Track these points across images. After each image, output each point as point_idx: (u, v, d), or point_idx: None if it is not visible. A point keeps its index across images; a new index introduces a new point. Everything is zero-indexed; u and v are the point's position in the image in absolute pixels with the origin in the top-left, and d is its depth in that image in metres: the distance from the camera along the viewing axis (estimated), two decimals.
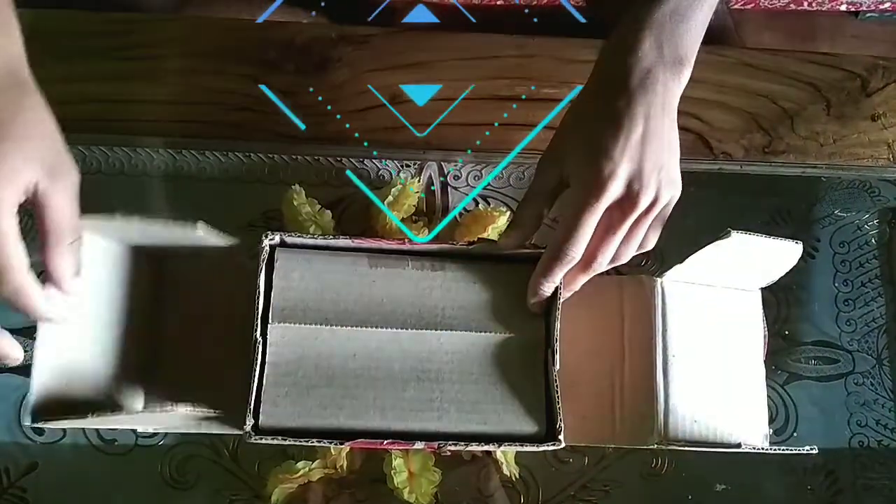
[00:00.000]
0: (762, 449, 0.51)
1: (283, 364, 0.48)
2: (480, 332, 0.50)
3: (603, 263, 0.48)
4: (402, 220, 0.60)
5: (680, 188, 0.48)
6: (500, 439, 0.49)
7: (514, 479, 0.57)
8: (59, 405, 0.45)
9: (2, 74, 0.40)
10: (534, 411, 0.49)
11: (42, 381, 0.45)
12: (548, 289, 0.49)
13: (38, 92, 0.42)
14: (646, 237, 0.48)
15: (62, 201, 0.41)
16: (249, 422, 0.45)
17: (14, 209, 0.39)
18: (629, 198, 0.46)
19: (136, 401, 0.51)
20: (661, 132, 0.46)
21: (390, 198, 0.59)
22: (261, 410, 0.46)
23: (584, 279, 0.49)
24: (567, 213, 0.46)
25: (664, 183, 0.46)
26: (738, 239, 0.49)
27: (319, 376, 0.48)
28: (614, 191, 0.45)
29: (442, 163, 0.63)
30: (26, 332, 0.57)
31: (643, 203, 0.46)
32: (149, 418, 0.48)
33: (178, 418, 0.48)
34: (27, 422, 0.44)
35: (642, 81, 0.45)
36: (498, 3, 1.15)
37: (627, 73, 0.45)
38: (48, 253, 0.41)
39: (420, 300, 0.50)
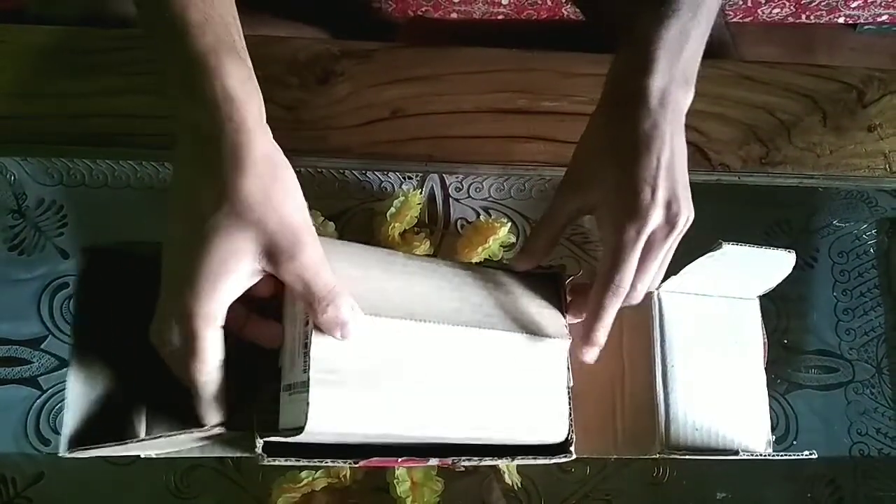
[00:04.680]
0: (762, 455, 0.52)
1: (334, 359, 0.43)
2: (519, 332, 0.47)
3: (643, 291, 0.48)
4: (405, 231, 0.61)
5: None
6: (520, 451, 0.47)
7: (515, 488, 0.58)
8: (90, 433, 0.45)
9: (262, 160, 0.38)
10: (558, 420, 0.48)
11: (75, 411, 0.45)
12: (604, 332, 0.48)
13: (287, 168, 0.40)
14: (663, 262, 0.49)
15: (289, 281, 0.39)
16: (260, 443, 0.44)
17: (219, 320, 0.38)
18: (668, 221, 0.45)
19: (142, 426, 0.52)
20: (682, 150, 0.46)
21: (392, 210, 0.59)
22: (309, 412, 0.40)
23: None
24: (609, 244, 0.46)
25: (689, 200, 0.47)
26: (730, 250, 0.50)
27: (380, 374, 0.43)
28: (656, 217, 0.45)
29: (444, 175, 0.64)
30: (33, 344, 0.58)
31: (681, 225, 0.46)
32: (181, 441, 0.48)
33: (190, 441, 0.48)
34: (63, 452, 0.44)
35: (662, 101, 0.45)
36: (498, 17, 1.16)
37: (647, 94, 0.45)
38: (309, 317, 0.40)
39: (460, 296, 0.48)
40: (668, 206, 0.45)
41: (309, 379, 0.39)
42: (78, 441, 0.45)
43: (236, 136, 0.36)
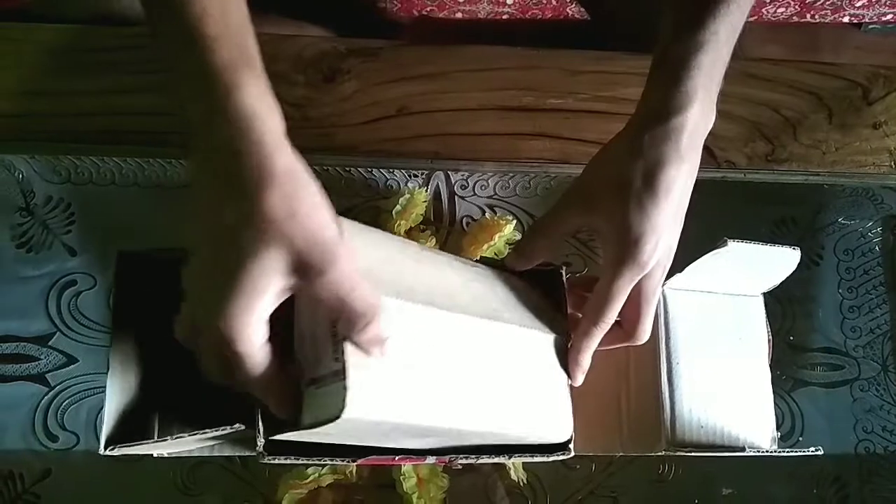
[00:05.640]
0: (768, 452, 0.52)
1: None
2: (526, 327, 0.47)
3: (648, 331, 0.48)
4: (410, 228, 0.61)
5: None
6: (520, 449, 0.47)
7: (521, 484, 0.58)
8: (125, 431, 0.46)
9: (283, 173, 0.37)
10: (562, 419, 0.48)
11: (112, 408, 0.46)
12: (588, 357, 0.48)
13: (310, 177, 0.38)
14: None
15: (323, 297, 0.38)
16: (261, 442, 0.44)
17: (259, 336, 0.38)
18: (663, 264, 0.46)
19: (155, 426, 0.52)
20: (689, 194, 0.46)
21: (398, 207, 0.60)
22: (348, 397, 0.38)
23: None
24: (605, 280, 0.46)
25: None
26: (734, 247, 0.50)
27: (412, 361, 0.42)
28: (655, 264, 0.45)
29: (449, 172, 0.64)
30: (40, 341, 0.58)
31: (668, 264, 0.47)
32: (197, 440, 0.48)
33: (206, 439, 0.48)
34: (102, 449, 0.45)
35: (692, 141, 0.44)
36: (503, 17, 1.16)
37: (680, 136, 0.44)
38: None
39: (470, 288, 0.47)
40: (668, 249, 0.46)
41: (345, 365, 0.38)
42: (111, 439, 0.46)
43: (258, 152, 0.36)
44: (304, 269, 0.37)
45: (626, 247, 0.44)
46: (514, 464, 0.57)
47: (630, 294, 0.46)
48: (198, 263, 0.38)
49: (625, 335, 0.48)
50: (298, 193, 0.37)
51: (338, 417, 0.37)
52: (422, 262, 0.46)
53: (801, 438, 0.62)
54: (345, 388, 0.37)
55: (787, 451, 0.52)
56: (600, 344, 0.48)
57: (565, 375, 0.49)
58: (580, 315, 0.49)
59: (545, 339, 0.48)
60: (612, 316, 0.46)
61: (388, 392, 0.39)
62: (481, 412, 0.44)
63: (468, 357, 0.44)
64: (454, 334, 0.44)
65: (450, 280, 0.46)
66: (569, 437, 0.48)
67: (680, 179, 0.44)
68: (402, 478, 0.55)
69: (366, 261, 0.41)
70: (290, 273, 0.37)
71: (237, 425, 0.44)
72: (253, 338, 0.37)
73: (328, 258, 0.37)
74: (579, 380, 0.49)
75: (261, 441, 0.44)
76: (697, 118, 0.44)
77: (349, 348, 0.38)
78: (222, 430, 0.43)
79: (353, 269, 0.38)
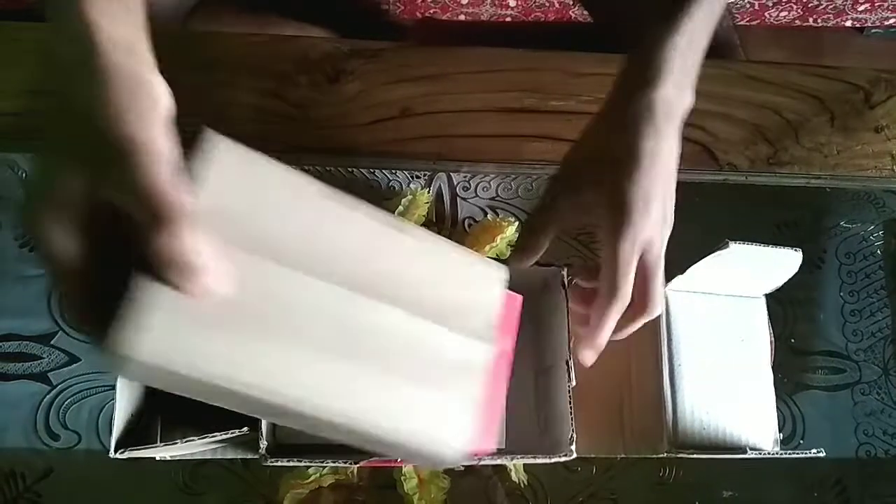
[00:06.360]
0: (771, 453, 0.52)
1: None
2: (430, 321, 0.40)
3: (661, 302, 0.48)
4: None
5: None
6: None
7: (522, 486, 0.58)
8: (133, 434, 0.46)
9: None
10: (450, 427, 0.41)
11: (122, 412, 0.46)
12: (606, 337, 0.48)
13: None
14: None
15: (116, 199, 0.34)
16: (263, 444, 0.44)
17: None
18: (660, 233, 0.46)
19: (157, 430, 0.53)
20: (677, 158, 0.47)
21: (401, 208, 0.60)
22: (122, 330, 0.33)
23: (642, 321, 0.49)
24: (608, 256, 0.46)
25: (673, 208, 0.47)
26: (736, 249, 0.50)
27: (247, 319, 0.36)
28: (649, 230, 0.45)
29: (451, 173, 0.64)
30: (43, 340, 0.58)
31: (667, 234, 0.47)
32: (200, 444, 0.48)
33: (209, 443, 0.48)
34: (113, 452, 0.45)
35: (668, 115, 0.46)
36: (506, 19, 1.16)
37: (655, 109, 0.45)
38: None
39: (368, 258, 0.41)
40: (661, 218, 0.46)
41: (135, 293, 0.33)
42: (120, 443, 0.46)
43: (90, 45, 0.34)
44: (105, 159, 0.34)
45: (619, 211, 0.45)
46: (515, 466, 0.57)
47: (637, 270, 0.46)
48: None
49: (639, 308, 0.48)
50: (126, 86, 0.34)
51: (113, 353, 0.32)
52: (324, 216, 0.40)
53: (802, 441, 0.62)
54: (123, 321, 0.32)
55: (790, 453, 0.52)
56: (621, 325, 0.48)
57: (478, 385, 0.41)
58: (583, 312, 0.49)
59: (457, 341, 0.41)
60: (625, 287, 0.46)
61: (180, 339, 0.34)
62: (333, 399, 0.38)
63: (330, 334, 0.38)
64: (318, 305, 0.38)
65: (340, 238, 0.40)
66: (458, 450, 0.40)
67: (662, 151, 0.45)
68: (403, 478, 0.55)
69: (228, 201, 0.36)
70: (91, 166, 0.34)
71: (244, 429, 0.44)
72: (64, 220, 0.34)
73: (136, 149, 0.33)
74: (590, 360, 0.49)
75: (263, 443, 0.45)
76: (672, 94, 0.46)
77: (142, 278, 0.33)
78: (229, 433, 0.44)
79: (164, 160, 0.34)
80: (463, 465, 0.57)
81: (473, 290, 0.43)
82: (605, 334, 0.48)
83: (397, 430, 0.39)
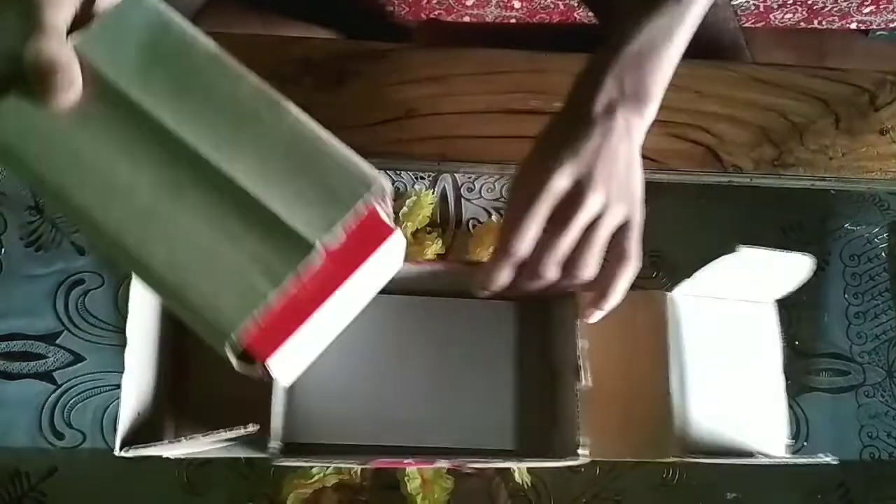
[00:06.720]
0: (780, 459, 0.51)
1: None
2: (270, 188, 0.37)
3: (550, 265, 0.48)
4: (417, 230, 0.61)
5: (640, 208, 0.48)
6: (530, 454, 0.45)
7: (525, 487, 0.58)
8: (139, 432, 0.46)
9: None
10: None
11: (128, 410, 0.46)
12: (491, 283, 0.49)
13: None
14: (624, 250, 0.48)
15: None
16: (275, 445, 0.44)
17: None
18: (577, 195, 0.46)
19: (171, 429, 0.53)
20: (617, 151, 0.47)
21: (405, 209, 0.60)
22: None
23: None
24: (510, 209, 0.47)
25: (619, 194, 0.47)
26: (746, 254, 0.50)
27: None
28: (558, 184, 0.46)
29: (456, 175, 0.64)
30: (48, 339, 0.58)
31: (590, 204, 0.46)
32: (207, 442, 0.48)
33: (217, 441, 0.48)
34: (118, 450, 0.45)
35: (604, 112, 0.48)
36: (511, 21, 1.16)
37: (591, 105, 0.48)
38: None
39: (237, 122, 0.39)
40: (578, 182, 0.46)
41: None
42: (126, 440, 0.46)
43: None
44: None
45: (533, 173, 0.47)
46: (519, 467, 0.57)
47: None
48: None
49: (530, 268, 0.49)
50: None
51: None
52: (209, 79, 0.40)
53: (805, 444, 0.62)
54: None
55: (800, 458, 0.52)
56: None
57: (282, 281, 0.35)
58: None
59: (282, 226, 0.36)
60: (519, 245, 0.47)
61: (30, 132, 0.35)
62: (131, 226, 0.35)
63: (158, 176, 0.36)
64: (160, 152, 0.37)
65: (220, 104, 0.39)
66: (226, 333, 0.35)
67: (592, 132, 0.47)
68: (406, 479, 0.55)
69: (113, 51, 0.37)
70: None
71: (251, 427, 0.44)
72: None
73: None
74: (482, 294, 0.51)
75: (274, 444, 0.45)
76: (611, 97, 0.48)
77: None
78: (237, 431, 0.44)
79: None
80: (471, 468, 0.57)
81: (333, 184, 0.38)
82: (490, 281, 0.49)
83: (184, 280, 0.35)
